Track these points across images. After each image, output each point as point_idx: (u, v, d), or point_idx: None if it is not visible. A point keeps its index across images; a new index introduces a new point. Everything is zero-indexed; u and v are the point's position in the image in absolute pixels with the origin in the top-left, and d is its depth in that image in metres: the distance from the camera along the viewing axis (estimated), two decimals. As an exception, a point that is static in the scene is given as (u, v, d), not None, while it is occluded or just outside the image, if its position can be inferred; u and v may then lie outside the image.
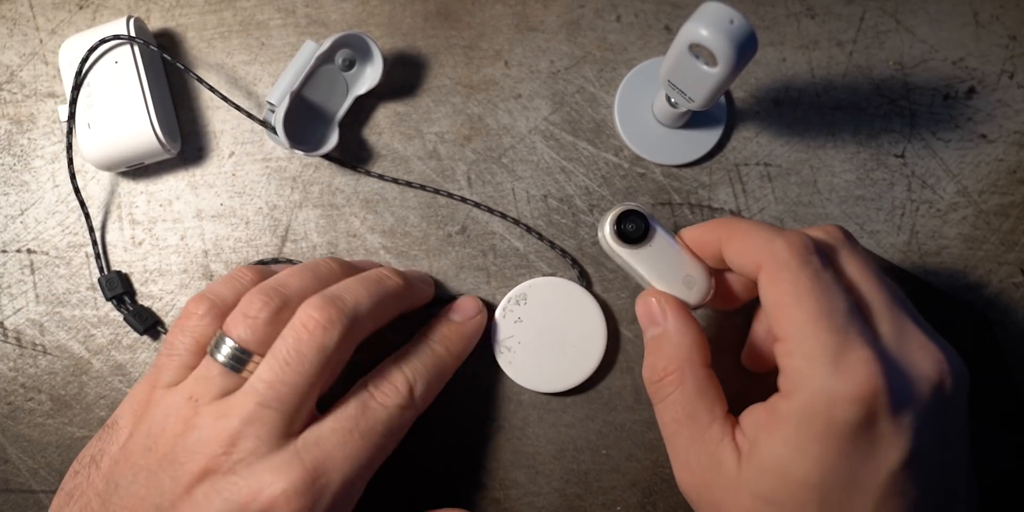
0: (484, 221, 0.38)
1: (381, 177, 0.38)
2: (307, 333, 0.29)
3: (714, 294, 0.33)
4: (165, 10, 0.39)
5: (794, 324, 0.27)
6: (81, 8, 0.40)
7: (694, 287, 0.32)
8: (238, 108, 0.36)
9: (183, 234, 0.39)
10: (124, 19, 0.37)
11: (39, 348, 0.38)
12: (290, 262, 0.38)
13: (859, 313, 0.27)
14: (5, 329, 0.38)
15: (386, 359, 0.33)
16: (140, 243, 0.39)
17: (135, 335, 0.38)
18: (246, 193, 0.39)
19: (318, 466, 0.28)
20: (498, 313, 0.37)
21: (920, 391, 0.26)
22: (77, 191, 0.37)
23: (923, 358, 0.27)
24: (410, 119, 0.39)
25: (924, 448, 0.26)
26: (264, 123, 0.37)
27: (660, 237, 0.32)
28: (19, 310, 0.38)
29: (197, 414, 0.29)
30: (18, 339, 0.38)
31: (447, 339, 0.35)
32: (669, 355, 0.31)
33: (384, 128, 0.39)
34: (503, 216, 0.38)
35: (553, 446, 0.37)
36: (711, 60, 0.29)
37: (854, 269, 0.28)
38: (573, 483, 0.37)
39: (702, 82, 0.30)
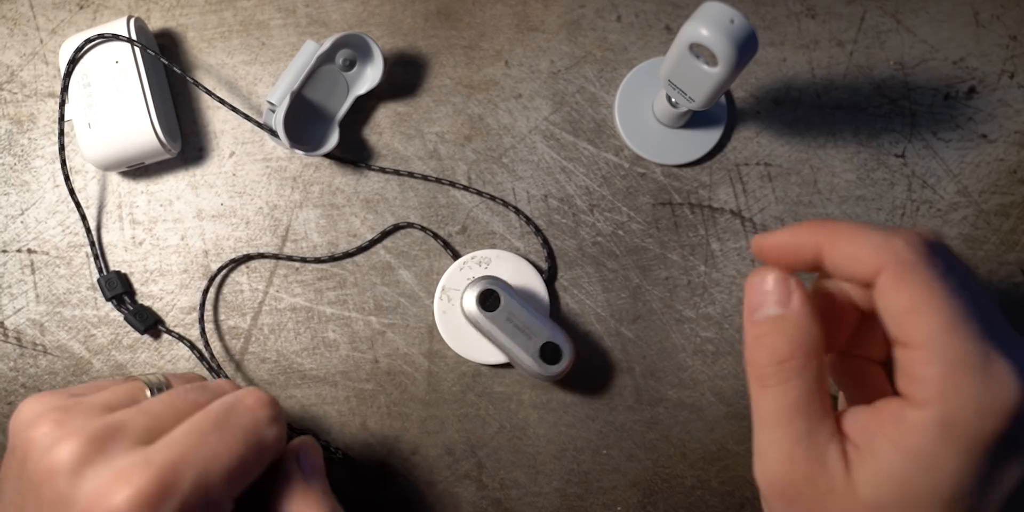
0: (484, 221, 0.38)
1: (383, 170, 0.38)
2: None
3: (821, 317, 0.30)
4: (166, 10, 0.39)
5: (930, 330, 0.25)
6: (81, 8, 0.40)
7: (560, 361, 0.35)
8: (236, 110, 0.36)
9: (183, 234, 0.39)
10: (124, 19, 0.37)
11: (39, 348, 0.38)
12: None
13: (997, 316, 0.26)
14: (6, 329, 0.38)
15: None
16: (140, 243, 0.39)
17: (135, 335, 0.38)
18: (246, 193, 0.39)
19: (167, 468, 0.25)
20: (456, 263, 0.37)
21: None
22: (72, 192, 0.37)
23: None
24: (411, 119, 0.39)
25: None
26: (263, 126, 0.37)
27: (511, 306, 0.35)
28: (19, 310, 0.38)
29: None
30: (18, 339, 0.38)
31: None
32: (796, 339, 0.29)
33: (385, 128, 0.39)
34: (502, 203, 0.38)
35: (554, 446, 0.37)
36: (712, 60, 0.29)
37: (964, 271, 0.27)
38: (574, 483, 0.37)
39: (703, 82, 0.30)
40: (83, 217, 0.38)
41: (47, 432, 0.26)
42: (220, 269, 0.38)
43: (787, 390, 0.28)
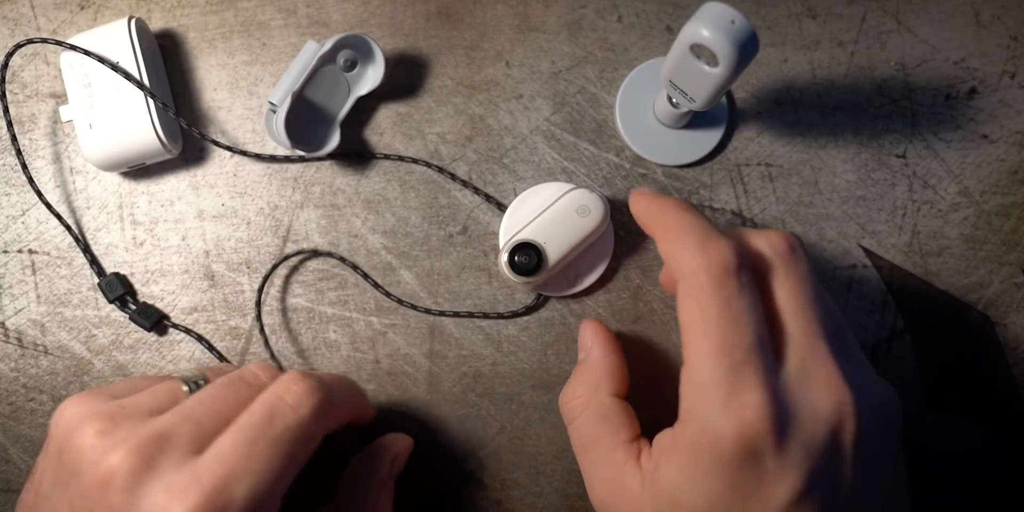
0: (486, 221, 0.38)
1: (387, 156, 0.38)
2: None
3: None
4: (166, 10, 0.39)
5: (695, 353, 0.26)
6: (83, 8, 0.40)
7: (590, 213, 0.35)
8: (221, 145, 0.36)
9: (184, 234, 0.39)
10: (125, 20, 0.37)
11: (40, 348, 0.38)
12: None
13: (765, 348, 0.26)
14: (6, 329, 0.38)
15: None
16: (141, 244, 0.39)
17: (137, 335, 0.38)
18: (247, 193, 0.39)
19: (218, 484, 0.25)
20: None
21: (814, 431, 0.26)
22: (48, 206, 0.37)
23: (824, 398, 0.26)
24: (411, 119, 0.39)
25: (816, 487, 0.26)
26: (260, 156, 0.37)
27: (543, 231, 0.35)
28: (20, 310, 0.38)
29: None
30: (19, 339, 0.38)
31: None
32: (582, 381, 0.33)
33: (385, 128, 0.39)
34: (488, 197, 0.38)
35: (554, 446, 0.37)
36: (712, 60, 0.29)
37: (785, 291, 0.28)
38: (575, 483, 0.37)
39: (703, 82, 0.30)
40: (67, 227, 0.38)
41: (95, 443, 0.26)
42: (287, 256, 0.38)
43: (576, 427, 0.32)
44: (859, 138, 0.38)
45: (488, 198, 0.38)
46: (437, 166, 0.38)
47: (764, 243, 0.28)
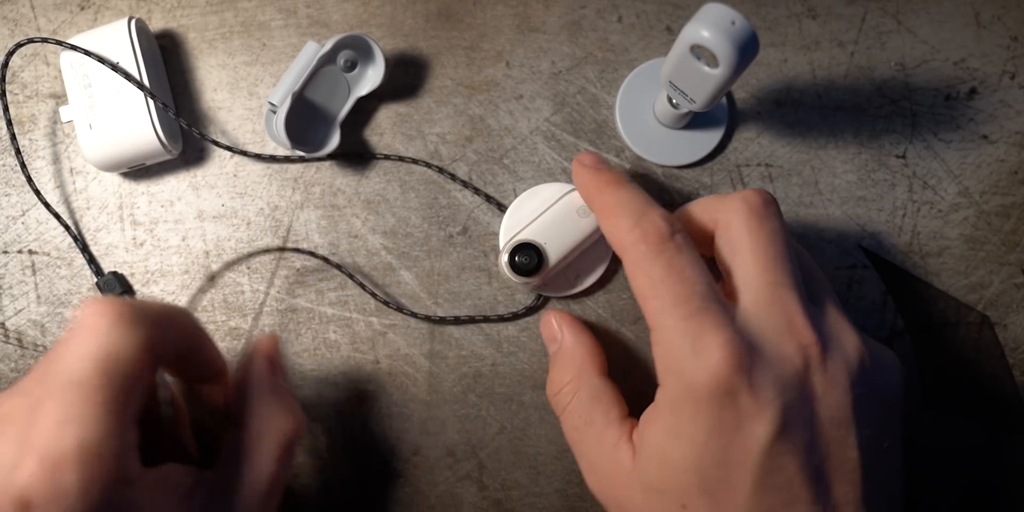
0: (486, 222, 0.38)
1: (387, 157, 0.38)
2: None
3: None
4: (166, 11, 0.39)
5: (653, 314, 0.28)
6: (83, 9, 0.40)
7: (591, 214, 0.35)
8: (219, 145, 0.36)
9: (184, 235, 0.39)
10: (125, 20, 0.37)
11: (40, 349, 0.38)
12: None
13: (717, 295, 0.28)
14: (6, 330, 0.38)
15: None
16: (141, 244, 0.39)
17: (137, 336, 0.38)
18: (247, 194, 0.39)
19: (48, 443, 0.23)
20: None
21: (781, 369, 0.27)
22: (47, 206, 0.37)
23: (788, 341, 0.27)
24: (411, 120, 0.39)
25: (793, 424, 0.26)
26: (260, 156, 0.37)
27: (545, 232, 0.35)
28: (20, 311, 0.38)
29: None
30: (19, 340, 0.38)
31: None
32: (564, 367, 0.33)
33: (385, 129, 0.39)
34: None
35: (554, 447, 0.37)
36: (712, 61, 0.29)
37: (752, 241, 0.28)
38: (575, 484, 0.37)
39: (703, 83, 0.30)
40: (67, 228, 0.38)
41: None
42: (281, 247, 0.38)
43: (569, 412, 0.32)
44: (859, 138, 0.38)
45: (488, 198, 0.38)
46: (437, 166, 0.38)
47: (738, 199, 0.29)
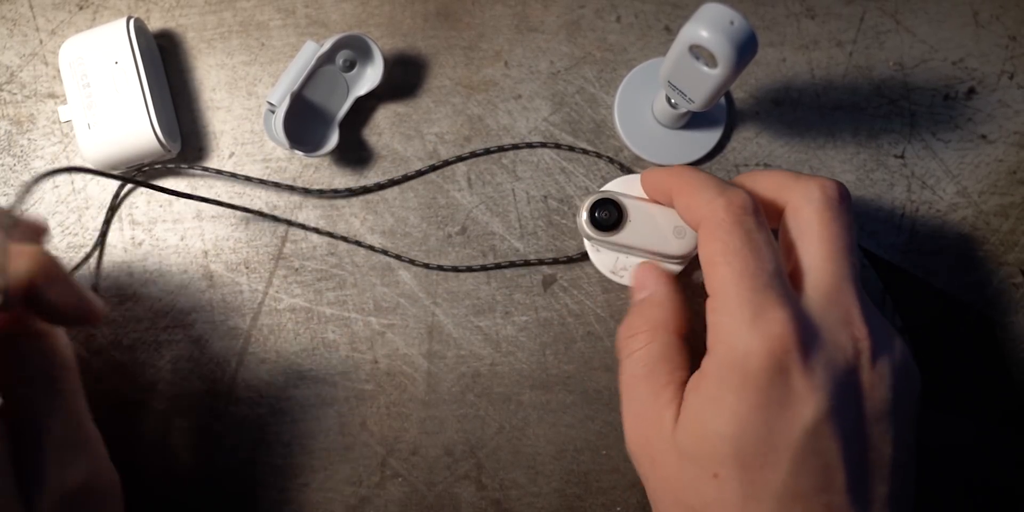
0: (484, 222, 0.38)
1: (380, 186, 0.38)
2: None
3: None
4: (165, 10, 0.39)
5: (720, 281, 0.28)
6: (81, 9, 0.40)
7: (686, 235, 0.34)
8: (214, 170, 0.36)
9: (183, 235, 0.39)
10: (124, 20, 0.37)
11: (39, 349, 0.38)
12: None
13: (784, 276, 0.28)
14: (5, 330, 0.38)
15: None
16: (140, 244, 0.39)
17: (135, 335, 0.38)
18: (246, 194, 0.39)
19: None
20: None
21: (835, 357, 0.27)
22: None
23: (843, 330, 0.28)
24: (410, 120, 0.39)
25: (837, 413, 0.26)
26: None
27: (636, 211, 0.34)
28: (19, 311, 0.38)
29: None
30: (18, 340, 0.38)
31: None
32: (647, 315, 0.33)
33: (384, 129, 0.39)
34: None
35: (553, 447, 0.37)
36: (711, 61, 0.29)
37: (811, 233, 0.29)
38: (573, 483, 0.37)
39: (702, 83, 0.30)
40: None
41: None
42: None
43: (635, 359, 0.32)
44: (857, 138, 0.38)
45: (617, 165, 0.38)
46: (436, 166, 0.38)
47: (816, 188, 0.29)
